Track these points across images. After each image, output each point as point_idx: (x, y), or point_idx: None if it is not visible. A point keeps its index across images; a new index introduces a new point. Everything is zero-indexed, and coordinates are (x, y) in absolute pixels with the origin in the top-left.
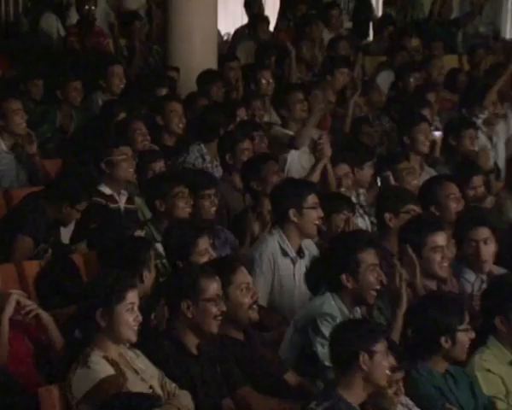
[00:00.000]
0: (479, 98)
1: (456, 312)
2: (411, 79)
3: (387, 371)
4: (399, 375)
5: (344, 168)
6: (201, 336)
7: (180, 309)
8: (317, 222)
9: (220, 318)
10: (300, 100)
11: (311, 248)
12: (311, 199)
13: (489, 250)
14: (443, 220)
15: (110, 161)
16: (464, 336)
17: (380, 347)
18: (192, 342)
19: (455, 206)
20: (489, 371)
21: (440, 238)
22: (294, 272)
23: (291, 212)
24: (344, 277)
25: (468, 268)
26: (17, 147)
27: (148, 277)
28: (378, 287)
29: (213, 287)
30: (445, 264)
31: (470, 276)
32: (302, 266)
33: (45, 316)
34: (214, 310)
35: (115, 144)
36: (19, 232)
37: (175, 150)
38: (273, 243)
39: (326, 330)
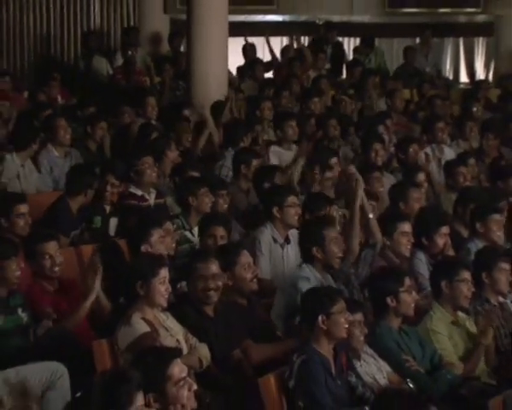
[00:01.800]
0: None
1: (396, 277)
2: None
3: (345, 326)
4: (359, 316)
5: None
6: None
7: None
8: (295, 217)
9: (213, 291)
10: (292, 126)
11: (296, 236)
12: (291, 200)
13: (448, 241)
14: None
15: (136, 171)
16: (406, 296)
17: (336, 308)
18: (209, 307)
19: (417, 205)
20: (440, 333)
21: (407, 226)
22: (283, 255)
23: (274, 209)
24: (314, 249)
25: (419, 251)
26: (68, 155)
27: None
28: (341, 255)
29: (210, 268)
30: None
31: (421, 256)
32: (289, 249)
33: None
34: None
35: (138, 157)
36: None
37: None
38: (267, 232)
39: (303, 286)
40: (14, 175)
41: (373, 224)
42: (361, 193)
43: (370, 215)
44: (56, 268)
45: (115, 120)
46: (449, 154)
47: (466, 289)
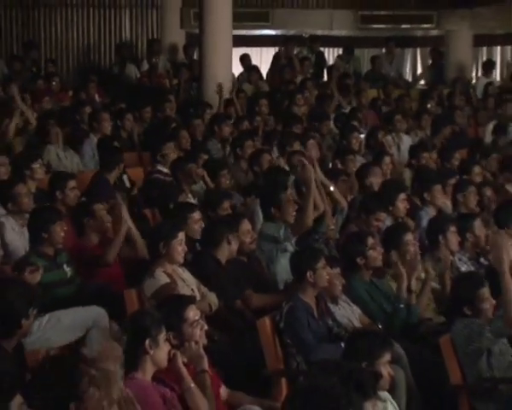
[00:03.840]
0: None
1: (360, 239)
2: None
3: (327, 277)
4: (337, 270)
5: None
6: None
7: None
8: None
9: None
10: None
11: None
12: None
13: (406, 207)
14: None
15: (162, 154)
16: (372, 252)
17: (320, 264)
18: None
19: (378, 181)
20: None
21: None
22: None
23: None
24: (273, 210)
25: (386, 217)
26: None
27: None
28: (294, 213)
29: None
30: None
31: (388, 222)
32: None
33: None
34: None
35: (163, 143)
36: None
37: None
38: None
39: (262, 245)
40: (55, 157)
41: (335, 193)
42: (313, 175)
43: (331, 188)
44: (108, 224)
45: (140, 114)
46: (406, 141)
47: (412, 249)
